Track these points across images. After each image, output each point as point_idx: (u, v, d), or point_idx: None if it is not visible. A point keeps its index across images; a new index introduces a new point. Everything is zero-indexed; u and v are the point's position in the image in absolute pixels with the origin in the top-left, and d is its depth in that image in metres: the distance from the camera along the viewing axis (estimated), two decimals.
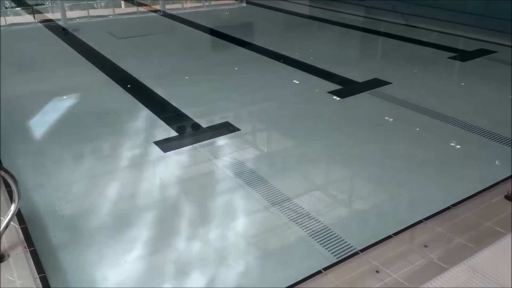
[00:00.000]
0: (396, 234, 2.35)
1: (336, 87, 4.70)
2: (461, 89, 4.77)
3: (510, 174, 2.89)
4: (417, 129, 3.76)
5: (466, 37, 6.67)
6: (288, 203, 2.74)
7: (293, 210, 2.67)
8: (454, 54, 5.71)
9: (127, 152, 3.46)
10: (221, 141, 3.59)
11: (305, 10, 9.63)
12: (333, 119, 4.02)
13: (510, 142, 3.42)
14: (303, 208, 2.68)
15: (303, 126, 3.90)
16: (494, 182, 2.80)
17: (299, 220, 2.57)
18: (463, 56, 5.69)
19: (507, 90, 4.52)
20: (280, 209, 2.68)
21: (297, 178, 3.10)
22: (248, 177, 3.05)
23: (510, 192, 2.58)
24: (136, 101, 4.45)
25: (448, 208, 2.55)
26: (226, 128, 3.80)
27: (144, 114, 4.14)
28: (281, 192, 2.85)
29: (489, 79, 4.91)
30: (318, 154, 3.43)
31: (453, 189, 2.84)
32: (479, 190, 2.72)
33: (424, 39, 6.73)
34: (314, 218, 2.59)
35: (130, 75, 5.21)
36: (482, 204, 2.56)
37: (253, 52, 6.18)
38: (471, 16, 8.19)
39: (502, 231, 2.31)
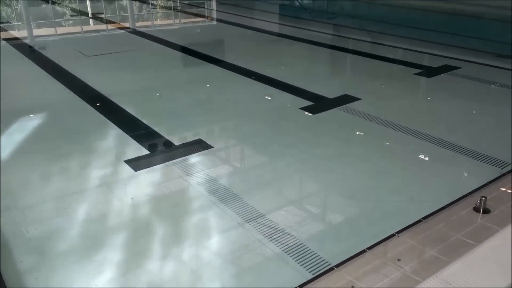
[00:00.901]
0: (370, 248, 2.37)
1: (307, 103, 4.76)
2: (428, 104, 4.91)
3: (477, 187, 2.98)
4: (387, 143, 3.84)
5: (431, 54, 6.91)
6: (262, 219, 2.73)
7: (267, 226, 2.66)
8: (420, 70, 5.89)
9: (97, 172, 3.38)
10: (194, 158, 3.56)
11: (275, 28, 9.78)
12: (305, 135, 4.05)
13: (476, 154, 3.53)
14: (277, 224, 2.68)
15: (275, 141, 3.92)
16: (462, 195, 2.88)
17: (274, 236, 2.56)
18: (429, 72, 5.87)
19: (472, 104, 4.69)
20: (255, 225, 2.66)
21: (271, 194, 3.10)
22: (222, 194, 3.02)
23: (478, 203, 2.65)
24: (106, 119, 4.37)
25: (419, 221, 2.59)
26: (198, 145, 3.77)
27: (114, 133, 4.07)
28: (255, 209, 2.83)
29: (454, 94, 5.08)
30: (291, 169, 3.44)
31: (423, 202, 2.90)
32: (449, 202, 2.78)
33: (391, 56, 6.94)
34: (288, 233, 2.59)
35: (99, 93, 5.13)
36: (452, 216, 2.62)
37: (225, 69, 6.21)
38: (435, 33, 8.52)
39: (472, 242, 2.36)
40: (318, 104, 4.76)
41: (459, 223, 2.54)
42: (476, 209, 2.64)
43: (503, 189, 2.93)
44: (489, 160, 3.43)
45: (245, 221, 2.70)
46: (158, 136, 3.98)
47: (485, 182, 3.04)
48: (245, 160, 3.71)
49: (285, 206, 2.92)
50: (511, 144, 3.73)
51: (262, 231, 2.61)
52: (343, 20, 10.98)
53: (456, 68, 5.91)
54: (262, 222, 2.69)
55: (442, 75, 5.71)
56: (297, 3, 14.18)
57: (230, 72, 6.08)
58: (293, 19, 10.89)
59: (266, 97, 5.07)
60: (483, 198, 2.64)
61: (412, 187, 3.13)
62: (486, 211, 2.62)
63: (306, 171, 3.44)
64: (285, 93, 5.17)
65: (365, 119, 4.34)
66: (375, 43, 7.90)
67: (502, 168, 3.28)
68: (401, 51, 7.20)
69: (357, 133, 4.06)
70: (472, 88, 5.30)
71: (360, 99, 4.85)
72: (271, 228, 2.64)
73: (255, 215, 2.76)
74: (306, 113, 4.50)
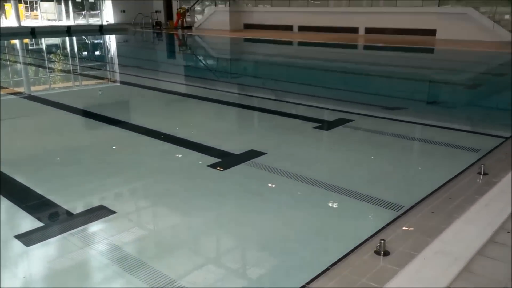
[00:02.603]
0: None
1: (215, 160, 4.77)
2: (327, 154, 5.20)
3: (376, 230, 3.14)
4: (294, 193, 3.95)
5: (328, 108, 7.42)
6: (175, 284, 2.59)
7: None
8: (319, 124, 6.25)
9: None
10: (95, 226, 3.34)
11: (181, 88, 9.90)
12: (215, 191, 4.03)
13: (375, 200, 3.76)
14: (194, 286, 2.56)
15: (186, 201, 3.84)
16: (364, 239, 3.01)
17: None
18: (326, 125, 6.26)
19: (366, 152, 5.05)
20: None
21: (184, 255, 2.98)
22: (127, 262, 2.84)
23: (378, 247, 2.78)
24: None
25: (327, 269, 2.65)
26: (100, 212, 3.55)
27: (1, 205, 3.69)
28: (165, 275, 2.69)
29: (349, 145, 5.45)
30: (204, 228, 3.36)
31: (329, 249, 2.98)
32: (353, 247, 2.89)
33: (293, 112, 7.33)
34: None
35: None
36: (356, 261, 2.72)
37: (131, 131, 6.06)
38: (329, 90, 9.23)
39: (376, 285, 2.45)
40: (226, 160, 4.80)
41: (363, 268, 2.63)
42: (377, 252, 2.76)
43: (402, 229, 3.12)
44: (385, 204, 3.67)
45: None
46: (53, 205, 3.69)
47: (383, 225, 3.22)
48: (153, 223, 3.56)
49: (201, 266, 2.82)
50: (404, 187, 4.05)
51: None
52: (246, 79, 11.48)
53: (350, 120, 6.38)
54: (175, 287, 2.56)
55: (339, 127, 6.12)
56: (201, 64, 14.62)
57: (136, 133, 5.95)
58: (198, 79, 11.14)
59: (175, 156, 5.01)
60: (382, 241, 2.78)
61: (318, 235, 3.21)
62: (386, 253, 2.75)
63: (218, 227, 3.39)
64: (193, 151, 5.15)
65: (271, 172, 4.45)
66: (277, 100, 8.31)
67: (397, 211, 3.52)
68: (301, 107, 7.63)
69: (264, 187, 4.13)
70: (365, 138, 5.74)
71: (266, 153, 4.99)
72: None
73: (166, 281, 2.62)
74: (215, 169, 4.51)
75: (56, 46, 21.12)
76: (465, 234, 2.99)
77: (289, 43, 19.17)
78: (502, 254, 2.75)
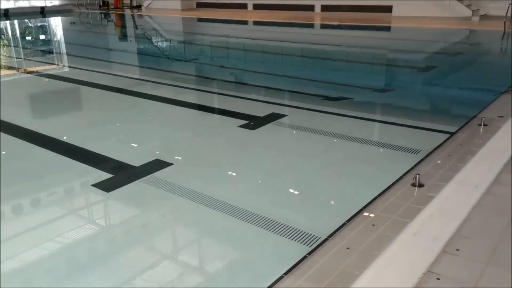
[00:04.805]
0: None
1: (106, 176, 3.92)
2: (245, 164, 4.42)
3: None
4: (189, 223, 3.18)
5: (261, 100, 6.62)
6: None
7: None
8: (246, 122, 5.43)
9: None
10: None
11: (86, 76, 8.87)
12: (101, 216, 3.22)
13: (286, 231, 3.04)
14: None
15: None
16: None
17: None
18: (255, 123, 5.43)
19: (291, 161, 4.32)
20: None
21: None
22: None
23: None
24: None
25: None
26: None
27: None
28: None
29: (274, 148, 4.70)
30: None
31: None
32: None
33: (221, 106, 6.49)
34: None
35: None
36: None
37: None
38: (269, 77, 8.40)
39: None
40: (115, 179, 3.91)
41: None
42: None
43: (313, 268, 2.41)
44: (298, 236, 2.96)
45: None
46: None
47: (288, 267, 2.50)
48: None
49: None
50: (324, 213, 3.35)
51: None
52: (177, 65, 10.52)
53: (283, 116, 5.61)
54: None
55: (269, 124, 5.34)
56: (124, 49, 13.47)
57: None
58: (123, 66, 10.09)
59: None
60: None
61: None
62: None
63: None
64: (77, 163, 4.29)
65: (169, 190, 3.66)
66: (204, 91, 7.39)
67: (309, 246, 2.80)
68: (232, 100, 6.76)
69: (157, 209, 3.35)
70: (293, 139, 4.99)
71: (172, 164, 4.18)
72: None
73: None
74: (101, 191, 3.67)
75: None
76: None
77: (238, 22, 18.04)
78: None
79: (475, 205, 3.13)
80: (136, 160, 4.26)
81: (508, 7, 12.62)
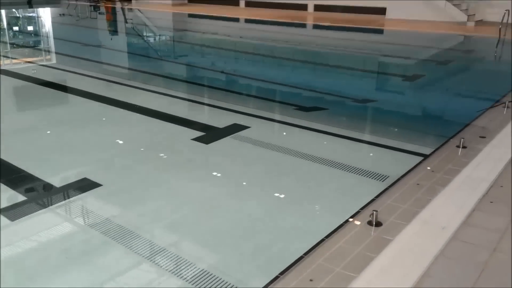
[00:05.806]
0: None
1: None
2: (187, 189, 3.89)
3: None
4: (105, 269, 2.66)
5: (225, 108, 6.03)
6: None
7: None
8: (202, 134, 4.88)
9: None
10: None
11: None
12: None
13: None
14: None
15: None
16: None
17: None
18: (211, 135, 4.87)
19: (251, 179, 3.79)
20: None
21: None
22: None
23: None
24: None
25: None
26: None
27: None
28: None
29: (225, 170, 4.17)
30: None
31: None
32: None
33: (178, 114, 5.70)
34: None
35: None
36: None
37: None
38: (241, 81, 7.83)
39: None
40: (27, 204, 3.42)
41: None
42: None
43: None
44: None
45: None
46: None
47: None
48: None
49: None
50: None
51: None
52: (146, 65, 9.96)
53: (245, 127, 5.07)
54: None
55: (226, 138, 4.80)
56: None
57: None
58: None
59: None
60: None
61: None
62: None
63: None
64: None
65: (94, 220, 3.13)
66: (163, 94, 6.82)
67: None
68: (193, 107, 6.15)
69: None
70: (251, 158, 4.43)
71: (102, 185, 3.65)
72: None
73: None
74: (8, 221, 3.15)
75: None
76: None
77: (225, 19, 17.38)
78: None
79: (437, 255, 2.62)
80: (64, 179, 3.73)
81: (504, 13, 12.12)
